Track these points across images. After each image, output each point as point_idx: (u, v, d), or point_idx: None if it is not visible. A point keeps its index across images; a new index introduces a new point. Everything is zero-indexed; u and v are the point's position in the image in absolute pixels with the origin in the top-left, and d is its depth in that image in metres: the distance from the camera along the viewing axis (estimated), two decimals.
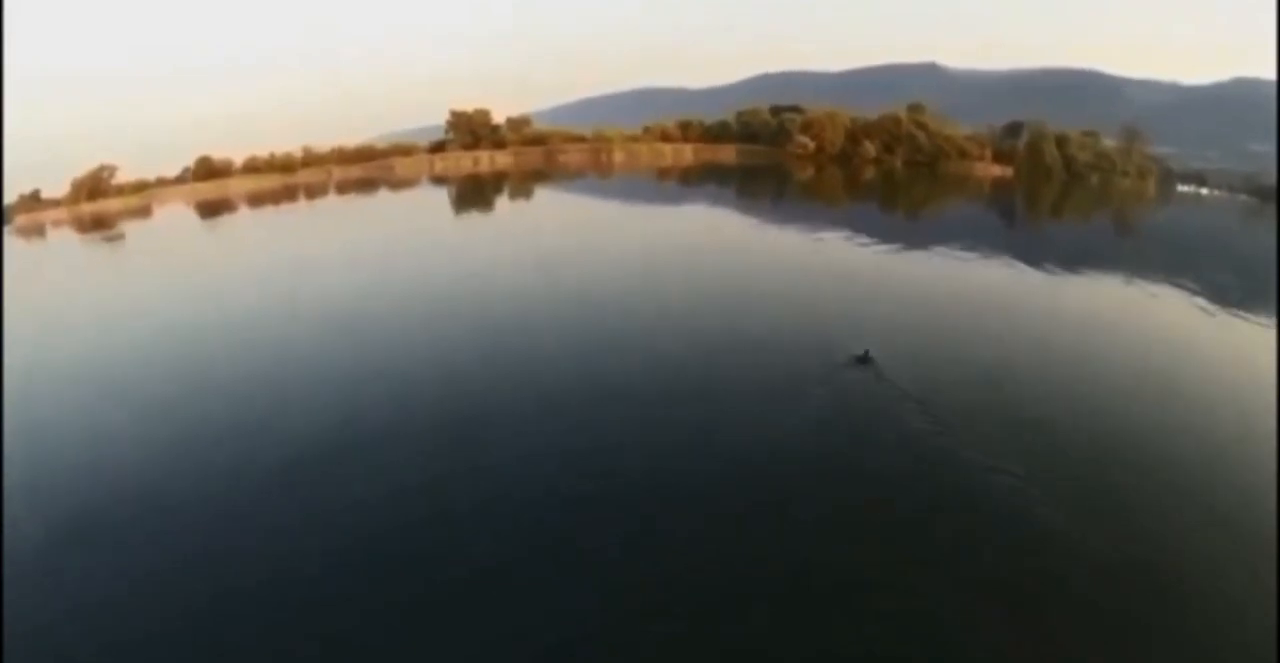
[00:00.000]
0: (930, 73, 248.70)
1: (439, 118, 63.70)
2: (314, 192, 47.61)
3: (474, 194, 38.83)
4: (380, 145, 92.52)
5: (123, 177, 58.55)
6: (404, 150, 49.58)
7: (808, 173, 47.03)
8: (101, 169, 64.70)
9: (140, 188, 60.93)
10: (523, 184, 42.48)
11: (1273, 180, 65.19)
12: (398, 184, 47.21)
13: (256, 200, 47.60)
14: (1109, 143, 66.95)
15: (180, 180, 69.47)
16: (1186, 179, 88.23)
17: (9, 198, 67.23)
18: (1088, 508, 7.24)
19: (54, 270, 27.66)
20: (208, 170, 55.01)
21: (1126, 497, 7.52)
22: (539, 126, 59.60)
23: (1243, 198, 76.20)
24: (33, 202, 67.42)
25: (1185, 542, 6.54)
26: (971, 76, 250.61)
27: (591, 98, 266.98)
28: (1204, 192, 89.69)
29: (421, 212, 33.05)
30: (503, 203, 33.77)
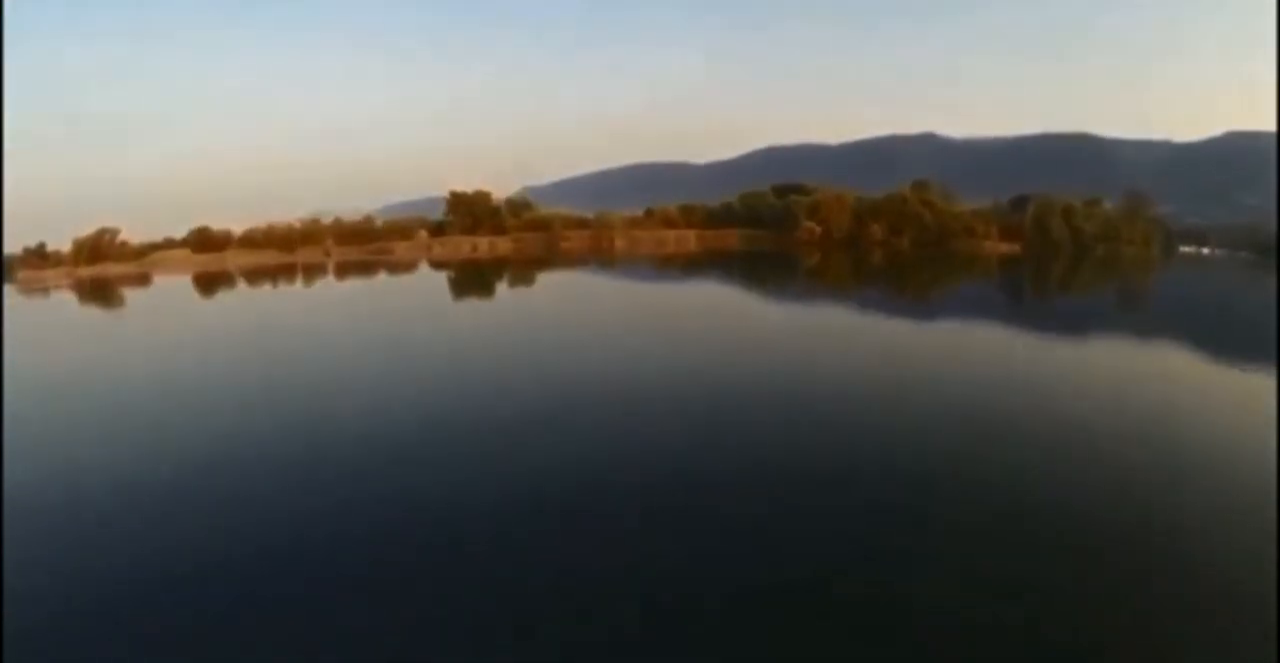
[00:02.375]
0: (929, 142, 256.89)
1: (437, 189, 64.61)
2: (312, 271, 46.81)
3: (475, 282, 38.27)
4: (378, 217, 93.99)
5: (122, 230, 59.20)
6: (403, 231, 49.31)
7: (814, 259, 46.68)
8: (104, 231, 65.20)
9: (141, 253, 61.01)
10: (524, 271, 42.13)
11: (1271, 235, 65.33)
12: (396, 267, 46.70)
13: (254, 276, 46.86)
14: (1108, 203, 67.26)
15: (184, 243, 70.09)
16: (1187, 239, 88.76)
17: (13, 247, 68.59)
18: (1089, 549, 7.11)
19: (59, 334, 27.72)
20: (206, 241, 54.97)
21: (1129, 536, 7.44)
22: (539, 206, 60.13)
23: (1243, 255, 76.36)
24: (38, 258, 67.88)
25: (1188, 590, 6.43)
26: (969, 144, 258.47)
27: (592, 173, 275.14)
28: (1205, 251, 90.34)
29: (423, 298, 32.67)
30: (505, 292, 33.24)
